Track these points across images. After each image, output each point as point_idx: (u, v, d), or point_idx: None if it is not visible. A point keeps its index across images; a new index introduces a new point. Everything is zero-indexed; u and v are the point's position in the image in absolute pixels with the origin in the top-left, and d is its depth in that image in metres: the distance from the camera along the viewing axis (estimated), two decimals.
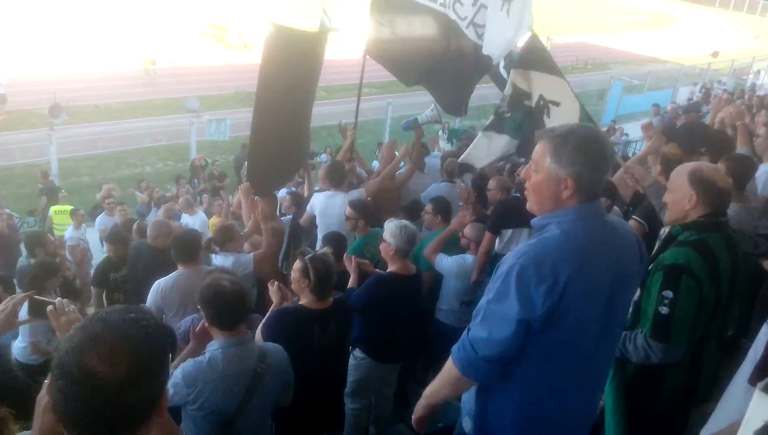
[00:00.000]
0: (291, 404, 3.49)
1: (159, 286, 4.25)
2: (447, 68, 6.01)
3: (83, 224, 9.68)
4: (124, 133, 17.06)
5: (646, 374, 2.64)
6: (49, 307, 2.31)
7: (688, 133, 5.64)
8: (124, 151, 16.82)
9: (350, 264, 4.05)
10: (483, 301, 1.92)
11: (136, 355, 1.26)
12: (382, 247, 3.90)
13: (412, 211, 5.53)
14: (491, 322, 1.87)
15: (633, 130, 16.61)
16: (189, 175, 14.04)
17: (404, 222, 3.86)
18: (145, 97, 21.26)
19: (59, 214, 10.52)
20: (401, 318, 3.88)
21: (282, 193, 6.66)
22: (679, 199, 2.57)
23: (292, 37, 5.43)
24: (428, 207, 5.24)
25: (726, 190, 2.58)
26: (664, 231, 2.75)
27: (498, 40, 5.22)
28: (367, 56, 6.24)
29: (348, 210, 4.97)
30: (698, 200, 2.51)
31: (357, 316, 3.91)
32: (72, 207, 10.17)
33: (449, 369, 2.00)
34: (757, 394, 0.90)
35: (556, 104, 5.08)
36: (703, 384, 2.64)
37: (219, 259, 4.73)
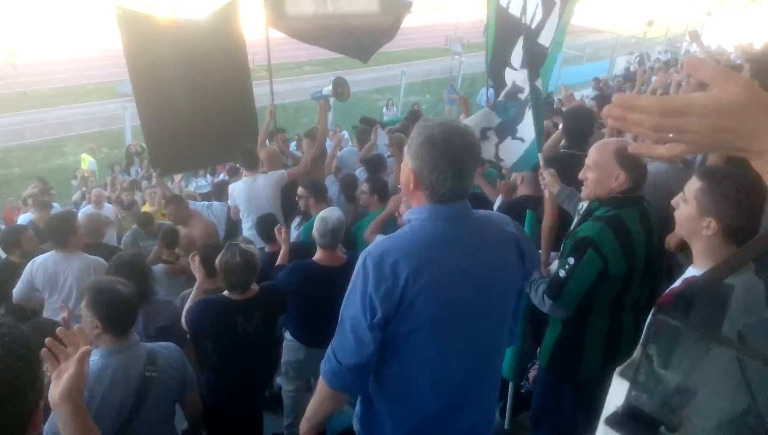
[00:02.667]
0: (225, 392, 3.47)
1: (31, 265, 4.32)
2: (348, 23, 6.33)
3: None
4: (55, 121, 16.38)
5: (568, 344, 2.72)
6: None
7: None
8: (56, 139, 16.17)
9: (280, 236, 4.02)
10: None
11: (7, 371, 1.17)
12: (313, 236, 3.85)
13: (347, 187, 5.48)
14: (347, 328, 1.83)
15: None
16: (124, 162, 13.58)
17: (325, 214, 3.74)
18: (75, 82, 20.41)
19: None
20: (327, 306, 3.80)
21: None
22: (605, 177, 2.57)
23: (141, 19, 5.81)
24: (364, 186, 5.14)
25: (646, 165, 2.63)
26: (582, 206, 2.78)
27: None
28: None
29: (299, 189, 4.98)
30: (625, 178, 2.53)
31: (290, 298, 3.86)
32: None
33: (321, 384, 1.93)
34: (615, 378, 0.87)
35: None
36: (623, 351, 2.69)
37: None
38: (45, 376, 1.40)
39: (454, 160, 1.77)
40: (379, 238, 1.90)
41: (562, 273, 2.53)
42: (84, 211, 8.24)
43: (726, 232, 1.91)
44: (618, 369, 0.89)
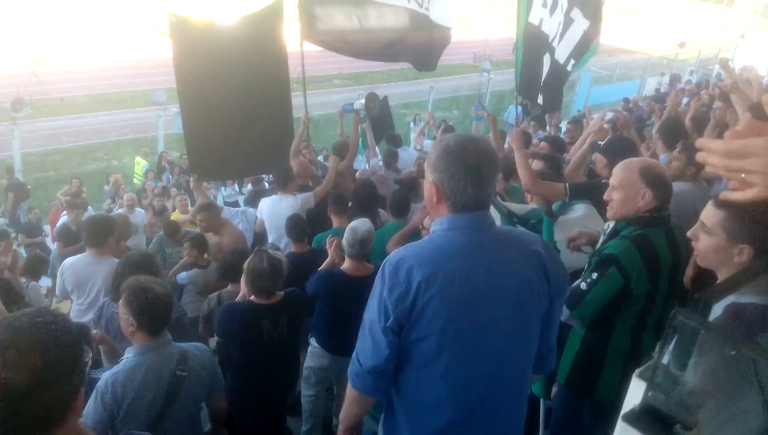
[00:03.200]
0: (246, 398, 3.54)
1: (61, 266, 4.45)
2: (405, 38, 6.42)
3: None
4: (90, 127, 16.78)
5: (588, 361, 2.72)
6: None
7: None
8: (91, 145, 16.58)
9: (330, 247, 4.10)
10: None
11: (43, 360, 1.28)
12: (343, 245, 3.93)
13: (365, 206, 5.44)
14: (367, 331, 1.89)
15: None
16: (156, 170, 13.86)
17: (356, 224, 3.82)
18: (111, 90, 20.91)
19: None
20: (353, 315, 3.85)
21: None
22: (631, 196, 2.57)
23: (193, 26, 5.82)
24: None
25: (671, 184, 2.62)
26: (609, 226, 2.79)
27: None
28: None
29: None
30: (653, 196, 2.54)
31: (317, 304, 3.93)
32: None
33: (349, 386, 2.00)
34: (634, 380, 0.92)
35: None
36: None
37: None
38: (87, 365, 1.48)
39: (471, 166, 1.81)
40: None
41: (583, 286, 2.55)
42: (116, 214, 8.46)
43: (758, 255, 1.91)
44: (637, 371, 0.93)
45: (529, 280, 1.88)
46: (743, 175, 0.85)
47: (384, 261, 1.86)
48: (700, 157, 0.90)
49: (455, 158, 1.81)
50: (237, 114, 6.16)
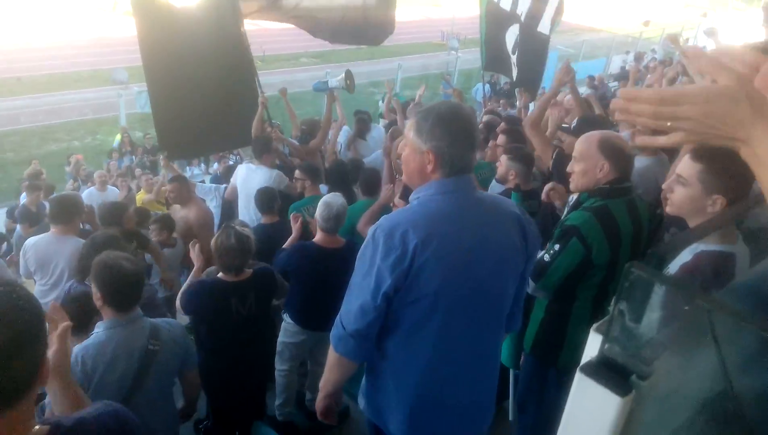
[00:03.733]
0: (219, 374, 3.52)
1: (24, 246, 4.41)
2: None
3: None
4: (49, 107, 16.32)
5: (551, 330, 2.77)
6: None
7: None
8: (50, 125, 16.15)
9: (295, 222, 4.12)
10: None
11: (14, 325, 1.26)
12: (312, 222, 3.94)
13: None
14: (353, 295, 1.92)
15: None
16: (119, 150, 13.57)
17: (330, 199, 3.82)
18: (70, 69, 20.32)
19: None
20: (326, 288, 3.86)
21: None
22: (590, 168, 2.62)
23: (156, 5, 5.86)
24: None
25: (632, 156, 2.68)
26: (572, 198, 2.84)
27: None
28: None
29: (296, 172, 5.17)
30: (610, 168, 2.59)
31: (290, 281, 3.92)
32: None
33: (330, 351, 2.02)
34: (591, 334, 0.94)
35: None
36: None
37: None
38: (47, 335, 1.46)
39: (467, 130, 1.89)
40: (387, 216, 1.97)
41: (546, 257, 2.60)
42: (88, 193, 8.30)
43: (730, 205, 2.00)
44: (594, 325, 0.95)
45: (511, 240, 1.97)
46: (669, 124, 0.87)
47: (374, 227, 1.90)
48: (616, 104, 0.92)
49: (455, 126, 1.87)
50: (204, 91, 6.15)
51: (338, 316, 1.97)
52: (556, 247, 2.59)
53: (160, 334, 2.65)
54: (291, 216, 4.23)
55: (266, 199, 4.74)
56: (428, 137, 1.88)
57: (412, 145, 1.94)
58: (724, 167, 1.94)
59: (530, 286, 2.65)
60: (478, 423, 2.14)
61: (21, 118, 15.59)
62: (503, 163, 4.05)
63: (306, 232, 4.21)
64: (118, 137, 13.81)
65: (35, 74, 19.53)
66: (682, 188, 2.08)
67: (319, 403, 2.18)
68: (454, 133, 1.87)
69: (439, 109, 1.90)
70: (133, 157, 13.36)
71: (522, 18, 6.07)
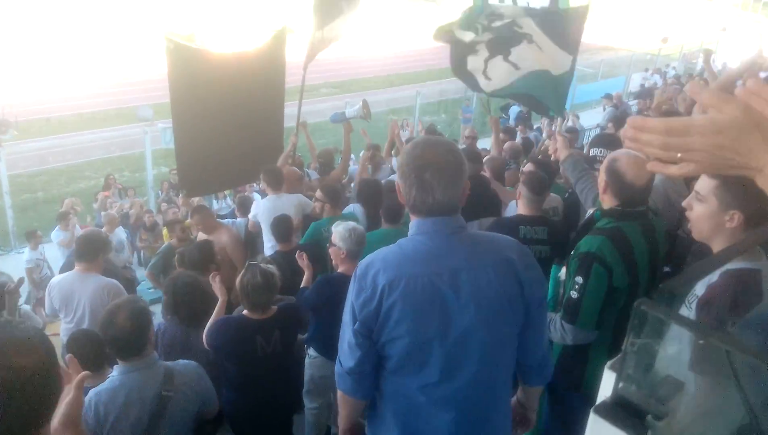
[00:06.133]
0: (244, 412, 3.51)
1: (49, 284, 4.51)
2: None
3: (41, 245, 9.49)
4: (77, 146, 16.68)
5: (572, 355, 2.72)
6: None
7: None
8: (77, 164, 16.49)
9: (302, 260, 4.08)
10: None
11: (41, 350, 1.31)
12: (331, 250, 3.89)
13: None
14: (344, 332, 1.93)
15: (588, 119, 16.85)
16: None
17: (352, 224, 3.84)
18: (97, 108, 20.83)
19: None
20: None
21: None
22: (599, 182, 2.69)
23: (189, 54, 5.98)
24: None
25: (637, 185, 2.61)
26: (589, 212, 2.83)
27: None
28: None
29: (318, 193, 5.14)
30: (607, 189, 2.61)
31: (311, 315, 3.91)
32: None
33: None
34: (606, 372, 0.92)
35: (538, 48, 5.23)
36: None
37: None
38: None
39: (415, 168, 1.81)
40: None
41: (574, 294, 2.54)
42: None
43: (748, 222, 1.98)
44: (608, 363, 0.94)
45: (497, 287, 1.85)
46: (679, 155, 0.87)
47: (359, 263, 1.91)
48: (626, 133, 0.92)
49: (405, 159, 1.85)
50: (227, 131, 6.27)
51: (338, 354, 1.99)
52: (579, 279, 2.53)
53: (174, 379, 2.65)
54: (296, 255, 4.17)
55: (282, 227, 4.75)
56: (399, 171, 1.88)
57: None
58: (740, 182, 1.92)
59: (569, 334, 2.58)
60: None
61: (49, 158, 15.95)
62: (520, 186, 4.02)
63: (321, 264, 4.19)
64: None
65: (63, 114, 20.06)
66: (700, 205, 2.06)
67: None
68: (404, 169, 1.84)
69: (415, 143, 1.87)
70: (160, 192, 13.58)
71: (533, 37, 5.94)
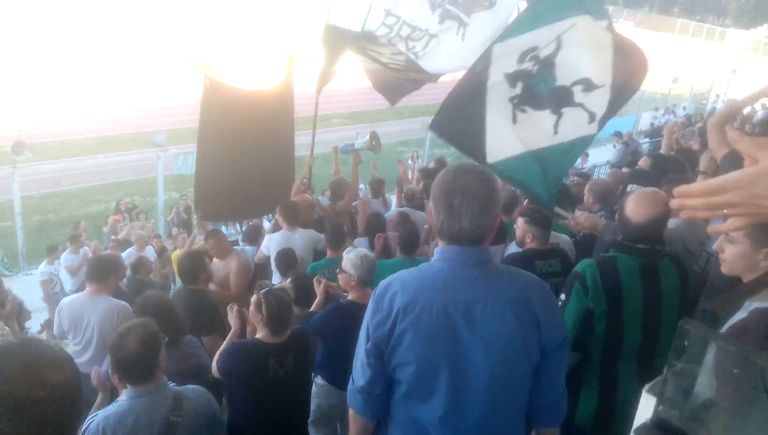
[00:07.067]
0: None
1: (59, 305, 4.55)
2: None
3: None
4: (90, 169, 16.87)
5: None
6: None
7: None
8: (90, 187, 16.67)
9: (318, 285, 4.09)
10: None
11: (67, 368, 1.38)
12: (341, 277, 3.90)
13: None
14: (359, 350, 1.94)
15: (598, 156, 16.89)
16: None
17: (363, 251, 3.87)
18: (112, 132, 21.11)
19: None
20: None
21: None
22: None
23: (222, 90, 6.45)
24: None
25: (633, 220, 2.62)
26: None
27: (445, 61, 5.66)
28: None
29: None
30: (607, 227, 2.65)
31: (319, 342, 3.89)
32: None
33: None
34: (644, 395, 0.91)
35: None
36: (620, 407, 2.66)
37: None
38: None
39: (445, 194, 1.80)
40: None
41: None
42: (128, 254, 8.50)
43: None
44: (647, 386, 0.92)
45: (513, 326, 1.81)
46: (725, 211, 0.89)
47: (380, 283, 1.91)
48: (673, 204, 0.95)
49: (436, 186, 1.84)
50: (245, 161, 6.56)
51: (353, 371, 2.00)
52: (563, 296, 2.60)
53: (183, 404, 2.64)
54: (314, 279, 4.22)
55: (286, 260, 4.83)
56: (431, 193, 1.87)
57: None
58: None
59: None
60: None
61: (62, 181, 16.13)
62: (520, 225, 4.02)
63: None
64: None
65: (78, 138, 20.31)
66: (732, 246, 2.07)
67: None
68: (435, 195, 1.83)
69: (448, 167, 1.88)
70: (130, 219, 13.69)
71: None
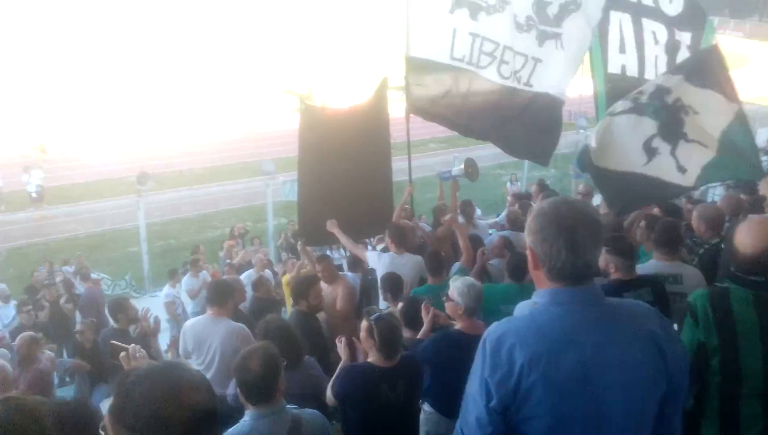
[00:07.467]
0: None
1: (183, 327, 4.83)
2: (516, 121, 6.42)
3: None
4: (206, 197, 18.07)
5: (685, 424, 2.65)
6: (122, 353, 2.62)
7: None
8: (207, 214, 17.87)
9: (426, 313, 4.10)
10: None
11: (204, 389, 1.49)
12: (448, 305, 3.91)
13: None
14: (469, 404, 1.81)
15: None
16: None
17: (470, 280, 3.87)
18: (224, 162, 22.54)
19: None
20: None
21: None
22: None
23: (318, 113, 6.67)
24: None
25: (741, 251, 2.51)
26: None
27: (554, 76, 5.95)
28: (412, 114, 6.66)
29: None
30: (725, 253, 2.60)
31: (426, 369, 3.99)
32: None
33: None
34: None
35: (695, 112, 4.90)
36: None
37: None
38: None
39: (564, 227, 1.70)
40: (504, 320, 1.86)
41: None
42: (247, 275, 9.09)
43: None
44: None
45: (645, 365, 1.73)
46: None
47: (485, 334, 1.81)
48: None
49: (548, 219, 1.73)
50: (346, 185, 6.60)
51: (458, 424, 1.87)
52: (675, 326, 2.50)
53: (301, 427, 2.75)
54: (422, 305, 4.21)
55: (392, 284, 4.94)
56: (528, 230, 1.78)
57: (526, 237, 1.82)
58: None
59: None
60: None
61: (182, 208, 17.38)
62: (602, 256, 3.84)
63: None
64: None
65: (194, 168, 21.81)
66: None
67: None
68: (548, 230, 1.72)
69: (544, 203, 1.79)
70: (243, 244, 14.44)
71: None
